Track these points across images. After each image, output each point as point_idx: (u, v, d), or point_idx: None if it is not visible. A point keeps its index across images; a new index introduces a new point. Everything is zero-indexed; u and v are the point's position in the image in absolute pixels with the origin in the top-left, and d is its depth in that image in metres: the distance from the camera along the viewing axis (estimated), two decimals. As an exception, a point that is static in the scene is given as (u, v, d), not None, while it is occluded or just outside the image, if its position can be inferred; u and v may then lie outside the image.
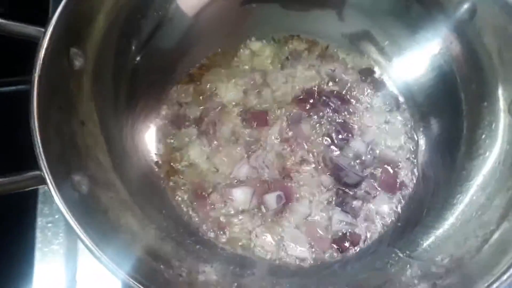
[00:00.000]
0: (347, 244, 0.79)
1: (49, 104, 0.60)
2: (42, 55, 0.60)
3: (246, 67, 0.94)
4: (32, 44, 0.63)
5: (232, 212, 0.81)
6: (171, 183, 0.83)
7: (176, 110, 0.89)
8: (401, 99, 0.92)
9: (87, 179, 0.62)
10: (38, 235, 0.79)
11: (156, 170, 0.84)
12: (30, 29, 0.64)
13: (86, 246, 0.54)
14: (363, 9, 0.88)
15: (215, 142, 0.87)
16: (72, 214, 0.54)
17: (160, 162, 0.85)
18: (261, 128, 0.88)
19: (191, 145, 0.86)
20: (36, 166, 0.55)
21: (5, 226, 0.83)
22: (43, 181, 0.54)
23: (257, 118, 0.89)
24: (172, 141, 0.87)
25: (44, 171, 0.53)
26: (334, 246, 0.79)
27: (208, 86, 0.92)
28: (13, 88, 0.95)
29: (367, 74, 0.94)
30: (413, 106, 0.90)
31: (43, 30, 0.62)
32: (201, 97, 0.91)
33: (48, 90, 0.60)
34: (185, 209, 0.81)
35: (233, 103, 0.91)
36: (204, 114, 0.89)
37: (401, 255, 0.73)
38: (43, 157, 0.54)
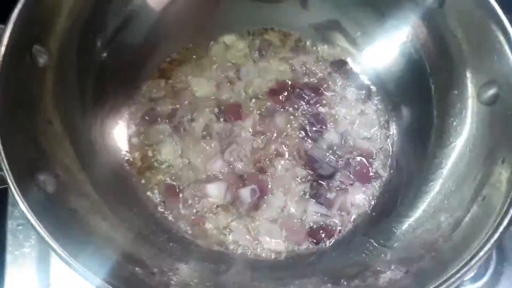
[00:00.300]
0: (322, 236, 0.79)
1: (12, 102, 0.59)
2: (3, 52, 0.58)
3: (219, 60, 0.93)
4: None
5: (206, 208, 0.80)
6: (142, 181, 0.82)
7: (148, 106, 0.87)
8: (373, 89, 0.92)
9: (52, 178, 0.60)
10: (9, 237, 0.78)
11: (128, 168, 0.82)
12: (-10, 27, 0.63)
13: (56, 253, 0.53)
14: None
15: (188, 138, 0.85)
16: (37, 215, 0.52)
17: (131, 159, 0.83)
18: (235, 122, 0.87)
19: (163, 142, 0.85)
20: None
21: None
22: (4, 182, 0.52)
23: (231, 111, 0.88)
24: (143, 138, 0.85)
25: (5, 171, 0.52)
26: (309, 238, 0.79)
27: (180, 80, 0.90)
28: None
29: (339, 65, 0.94)
30: (385, 96, 0.91)
31: (2, 26, 0.60)
32: (172, 93, 0.89)
33: (11, 88, 0.59)
34: (157, 207, 0.80)
35: (206, 98, 0.89)
36: (176, 109, 0.88)
37: (375, 244, 0.73)
38: (4, 156, 0.52)
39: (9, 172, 0.52)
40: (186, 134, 0.86)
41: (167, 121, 0.86)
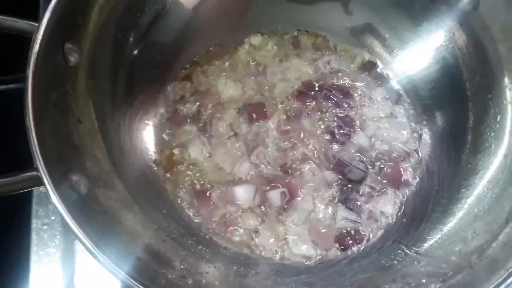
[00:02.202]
0: (350, 242, 0.78)
1: (44, 101, 0.58)
2: (36, 51, 0.57)
3: (246, 61, 0.92)
4: (23, 41, 0.61)
5: (235, 210, 0.79)
6: (171, 182, 0.81)
7: (174, 107, 0.87)
8: (403, 92, 0.91)
9: (85, 179, 0.59)
10: (34, 237, 0.78)
11: (155, 168, 0.82)
12: (21, 24, 0.62)
13: (85, 245, 0.52)
14: (368, 1, 0.87)
15: (214, 139, 0.85)
16: (71, 215, 0.52)
17: (159, 160, 0.83)
18: (260, 122, 0.86)
19: (191, 143, 0.84)
20: (30, 166, 0.53)
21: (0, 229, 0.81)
22: (40, 182, 0.52)
23: (255, 111, 0.87)
24: (170, 138, 0.84)
25: (42, 171, 0.51)
26: (337, 244, 0.78)
27: (205, 81, 0.90)
28: (4, 86, 0.92)
29: (369, 67, 0.92)
30: (415, 100, 0.89)
31: (36, 24, 0.60)
32: (198, 93, 0.88)
33: (43, 87, 0.58)
34: (186, 209, 0.79)
35: (231, 99, 0.88)
36: (201, 110, 0.87)
37: (407, 251, 0.72)
38: (40, 157, 0.52)
39: (46, 173, 0.51)
40: (212, 135, 0.85)
41: (193, 122, 0.85)
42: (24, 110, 0.55)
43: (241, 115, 0.87)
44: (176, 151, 0.83)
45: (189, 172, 0.82)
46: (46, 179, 0.51)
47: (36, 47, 0.58)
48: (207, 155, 0.83)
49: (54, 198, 0.50)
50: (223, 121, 0.86)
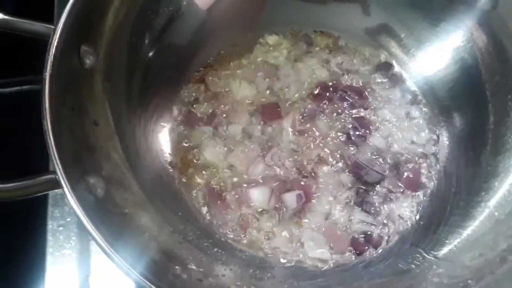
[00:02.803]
0: (366, 246, 0.77)
1: (61, 104, 0.58)
2: (53, 53, 0.58)
3: (260, 62, 0.92)
4: (35, 43, 0.62)
5: (250, 213, 0.78)
6: (186, 184, 0.81)
7: (189, 108, 0.87)
8: (420, 93, 0.89)
9: (102, 181, 0.60)
10: (49, 239, 0.78)
11: (171, 170, 0.81)
12: (37, 26, 0.63)
13: (100, 246, 0.52)
14: (384, 2, 0.86)
15: (228, 141, 0.84)
16: (88, 217, 0.52)
17: (174, 162, 0.82)
18: (274, 122, 0.86)
19: (206, 144, 0.83)
20: (45, 168, 0.53)
21: (15, 230, 0.82)
22: (58, 185, 0.52)
23: (269, 111, 0.87)
24: (185, 140, 0.84)
25: (60, 174, 0.51)
26: (352, 248, 0.77)
27: (220, 83, 0.89)
28: (18, 88, 0.93)
29: (385, 68, 0.91)
30: (432, 101, 0.88)
31: (51, 27, 0.60)
32: (212, 95, 0.88)
33: (59, 90, 0.58)
34: (201, 211, 0.79)
35: (245, 100, 0.88)
36: (215, 112, 0.87)
37: (426, 255, 0.71)
38: (58, 160, 0.52)
39: (64, 176, 0.51)
40: (227, 137, 0.84)
41: (208, 124, 0.85)
42: (42, 113, 0.55)
43: (255, 116, 0.86)
44: (191, 152, 0.83)
45: (204, 174, 0.82)
46: (64, 182, 0.51)
47: (53, 50, 0.58)
48: (222, 157, 0.83)
49: (72, 201, 0.51)
50: (237, 123, 0.86)
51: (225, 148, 0.83)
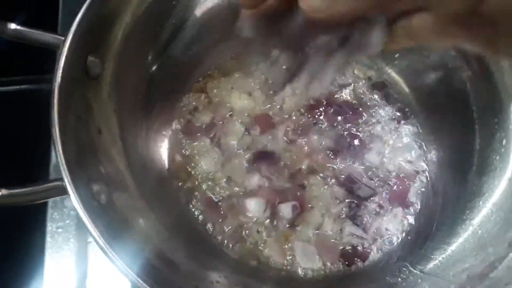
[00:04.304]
0: (355, 258, 0.79)
1: (67, 112, 0.60)
2: (62, 64, 0.60)
3: (257, 74, 0.94)
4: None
5: (246, 222, 0.81)
6: (183, 193, 0.83)
7: (188, 118, 0.89)
8: (411, 112, 0.92)
9: (105, 188, 0.61)
10: (48, 240, 0.79)
11: (169, 178, 0.84)
12: (48, 37, 0.64)
13: (98, 244, 0.54)
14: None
15: (225, 152, 0.87)
16: (93, 223, 0.54)
17: (172, 170, 0.85)
18: (268, 132, 0.88)
19: (203, 155, 0.86)
20: (47, 175, 0.55)
21: (15, 231, 0.83)
22: (64, 192, 0.54)
23: (263, 121, 0.89)
24: (184, 150, 0.87)
25: (67, 181, 0.53)
26: (342, 259, 0.79)
27: (218, 93, 0.92)
28: (17, 87, 0.95)
29: (379, 87, 0.94)
30: (423, 120, 0.91)
31: (61, 38, 0.62)
32: (211, 106, 0.91)
33: (66, 99, 0.60)
34: (198, 220, 0.81)
35: (242, 111, 0.91)
36: (214, 123, 0.89)
37: (412, 269, 0.73)
38: (66, 167, 0.54)
39: (71, 183, 0.53)
40: (224, 148, 0.87)
41: (206, 135, 0.88)
42: (50, 122, 0.57)
43: (248, 127, 0.89)
44: (189, 162, 0.85)
45: (202, 184, 0.84)
46: (71, 189, 0.53)
47: (63, 60, 0.60)
48: (219, 167, 0.85)
49: (79, 209, 0.53)
50: (232, 134, 0.88)
51: (222, 159, 0.86)
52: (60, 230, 0.80)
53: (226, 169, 0.85)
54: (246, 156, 0.86)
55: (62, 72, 0.60)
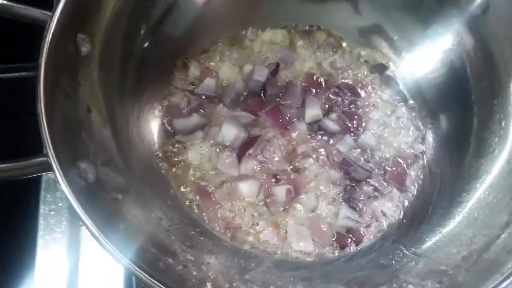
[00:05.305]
0: (349, 241, 0.78)
1: (55, 90, 0.59)
2: (49, 40, 0.59)
3: (254, 54, 0.93)
4: (35, 30, 0.63)
5: (238, 206, 0.80)
6: (174, 177, 0.81)
7: (180, 99, 0.88)
8: (409, 94, 0.91)
9: (93, 167, 0.61)
10: (41, 222, 0.79)
11: (159, 163, 0.82)
12: (35, 12, 0.64)
13: (90, 231, 0.53)
14: (376, 2, 0.88)
15: (215, 144, 0.84)
16: (78, 201, 0.53)
17: (162, 155, 0.83)
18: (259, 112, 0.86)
19: (192, 146, 0.84)
20: (41, 153, 0.54)
21: (8, 214, 0.83)
22: (49, 168, 0.53)
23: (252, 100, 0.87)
24: (174, 135, 0.85)
25: (51, 157, 0.53)
26: (335, 242, 0.78)
27: (210, 70, 0.91)
28: (16, 74, 0.94)
29: (380, 69, 0.93)
30: (421, 102, 0.90)
31: (49, 14, 0.61)
32: (200, 75, 0.89)
33: (54, 76, 0.59)
34: (188, 205, 0.80)
35: (228, 79, 0.90)
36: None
37: (406, 251, 0.72)
38: (50, 143, 0.53)
39: (55, 159, 0.52)
40: (214, 141, 0.85)
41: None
42: (36, 98, 0.56)
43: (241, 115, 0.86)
44: (178, 149, 0.84)
45: (191, 172, 0.82)
46: (55, 165, 0.52)
47: (49, 36, 0.59)
48: (207, 159, 0.83)
49: (63, 184, 0.52)
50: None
51: (212, 152, 0.84)
52: (52, 213, 0.80)
53: (214, 163, 0.83)
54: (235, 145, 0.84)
55: (49, 49, 0.59)
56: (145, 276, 0.52)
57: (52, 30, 0.59)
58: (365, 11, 0.90)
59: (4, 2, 0.62)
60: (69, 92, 0.63)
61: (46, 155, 0.53)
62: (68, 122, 0.61)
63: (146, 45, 0.79)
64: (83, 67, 0.66)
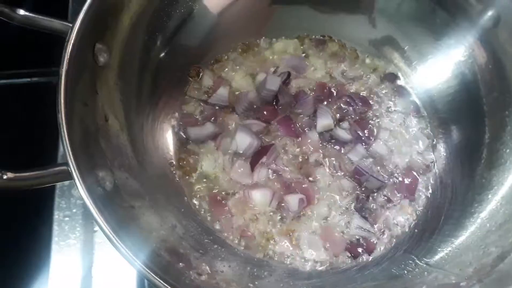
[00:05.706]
0: (361, 250, 0.79)
1: (74, 98, 0.60)
2: (70, 50, 0.60)
3: (265, 63, 0.94)
4: (52, 37, 0.64)
5: (251, 216, 0.80)
6: (188, 186, 0.82)
7: (194, 108, 0.89)
8: (421, 105, 0.92)
9: (110, 175, 0.62)
10: (55, 228, 0.80)
11: (174, 172, 0.83)
12: (56, 24, 0.65)
13: (105, 233, 0.54)
14: (389, 14, 0.89)
15: (229, 154, 0.85)
16: (97, 208, 0.54)
17: (176, 163, 0.84)
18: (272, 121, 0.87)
19: (205, 156, 0.85)
20: (53, 158, 0.55)
21: (23, 220, 0.84)
22: (69, 176, 0.54)
23: (265, 109, 0.88)
24: (189, 144, 0.86)
25: (72, 166, 0.53)
26: (347, 252, 0.78)
27: (223, 80, 0.91)
28: (28, 79, 0.96)
29: (390, 79, 0.94)
30: (432, 113, 0.90)
31: (69, 25, 0.62)
32: (214, 85, 0.90)
33: (73, 85, 0.60)
34: (201, 212, 0.80)
35: (242, 88, 0.91)
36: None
37: (418, 262, 0.72)
38: (71, 152, 0.54)
39: (75, 168, 0.53)
40: (227, 152, 0.85)
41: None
42: (57, 107, 0.57)
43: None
44: (192, 158, 0.85)
45: (205, 181, 0.83)
46: (75, 174, 0.53)
47: (70, 47, 0.60)
48: (220, 169, 0.84)
49: (83, 193, 0.53)
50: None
51: (225, 161, 0.84)
52: (67, 219, 0.81)
53: (227, 172, 0.83)
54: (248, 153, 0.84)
55: (69, 59, 0.60)
56: (158, 280, 0.53)
57: (72, 41, 0.60)
58: (378, 22, 0.91)
59: (26, 13, 0.63)
60: (87, 101, 0.64)
61: (66, 164, 0.54)
62: (86, 130, 0.62)
63: (162, 55, 0.80)
64: (101, 77, 0.67)
